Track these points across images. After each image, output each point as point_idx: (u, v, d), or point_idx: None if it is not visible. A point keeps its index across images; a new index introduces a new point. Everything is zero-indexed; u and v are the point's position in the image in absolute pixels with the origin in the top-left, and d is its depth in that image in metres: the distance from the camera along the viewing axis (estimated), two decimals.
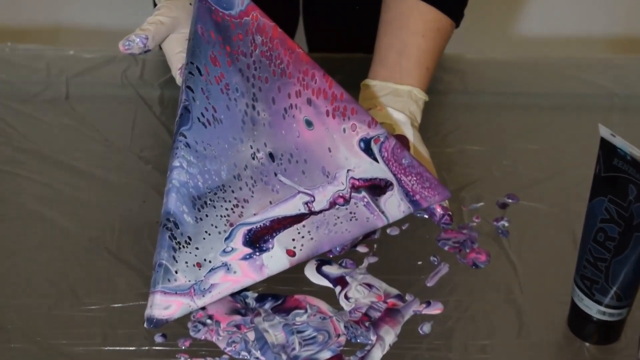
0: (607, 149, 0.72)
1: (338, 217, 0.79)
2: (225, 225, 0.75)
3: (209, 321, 0.78)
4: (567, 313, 0.79)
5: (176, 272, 0.74)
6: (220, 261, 0.76)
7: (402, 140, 0.88)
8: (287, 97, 0.76)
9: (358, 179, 0.79)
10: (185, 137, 0.74)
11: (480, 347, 0.77)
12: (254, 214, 0.76)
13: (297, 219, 0.78)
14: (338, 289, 0.82)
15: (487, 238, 0.88)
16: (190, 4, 0.78)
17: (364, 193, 0.80)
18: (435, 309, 0.80)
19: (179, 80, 0.79)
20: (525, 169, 0.98)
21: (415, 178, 0.81)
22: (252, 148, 0.75)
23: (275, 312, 0.79)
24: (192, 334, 0.77)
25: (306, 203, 0.78)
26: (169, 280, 0.74)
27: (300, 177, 0.77)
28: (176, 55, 0.80)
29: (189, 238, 0.74)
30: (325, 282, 0.83)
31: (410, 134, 0.90)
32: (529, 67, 1.15)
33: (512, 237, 0.89)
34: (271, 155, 0.76)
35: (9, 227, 0.88)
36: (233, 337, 0.77)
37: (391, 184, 0.80)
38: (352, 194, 0.79)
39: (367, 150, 0.79)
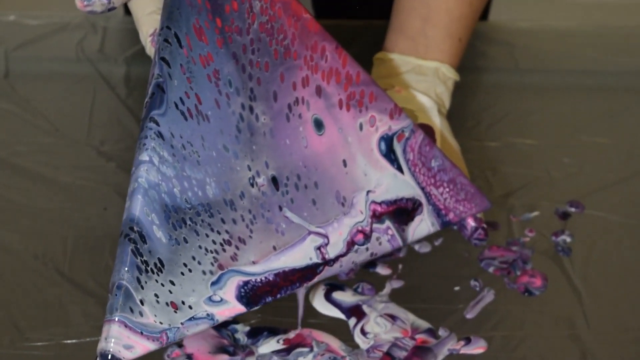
0: None
1: (357, 266, 0.79)
2: (213, 265, 0.74)
3: None
4: None
5: (142, 303, 0.73)
6: (205, 311, 0.75)
7: (427, 130, 0.88)
8: (292, 88, 0.76)
9: (380, 203, 0.79)
10: (158, 125, 0.73)
11: None
12: (253, 262, 0.76)
13: (308, 273, 0.78)
14: (353, 321, 0.82)
15: (544, 257, 0.88)
16: None
17: (387, 223, 0.80)
18: (477, 348, 0.80)
19: (150, 49, 0.79)
20: (592, 169, 0.98)
21: (447, 189, 0.82)
22: (250, 170, 0.75)
23: (272, 351, 0.79)
24: None
25: (319, 248, 0.78)
26: (131, 311, 0.72)
27: (310, 210, 0.77)
28: (147, 16, 0.79)
29: (160, 262, 0.73)
30: (336, 313, 0.83)
31: (437, 122, 0.90)
32: (596, 38, 1.15)
33: (575, 256, 0.88)
34: (274, 181, 0.76)
35: None
36: None
37: (420, 204, 0.81)
38: (374, 225, 0.79)
39: (389, 154, 0.79)
